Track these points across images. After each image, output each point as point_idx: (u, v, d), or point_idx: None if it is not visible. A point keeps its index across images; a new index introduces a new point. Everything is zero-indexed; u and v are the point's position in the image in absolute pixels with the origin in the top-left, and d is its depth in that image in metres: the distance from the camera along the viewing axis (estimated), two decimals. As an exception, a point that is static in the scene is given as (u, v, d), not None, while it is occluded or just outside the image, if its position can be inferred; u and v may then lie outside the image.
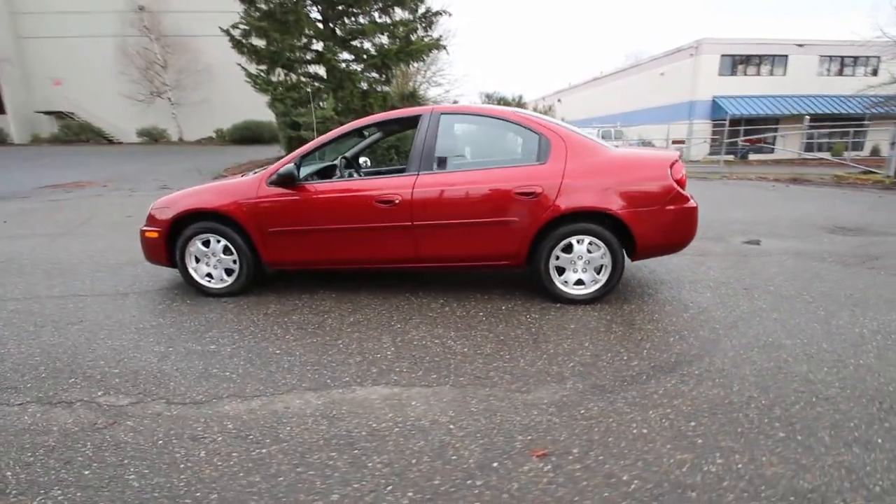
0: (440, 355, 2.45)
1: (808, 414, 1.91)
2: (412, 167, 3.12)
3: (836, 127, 21.09)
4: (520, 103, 18.11)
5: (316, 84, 15.21)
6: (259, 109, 20.69)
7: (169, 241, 3.35)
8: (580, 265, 3.08)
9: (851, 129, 20.75)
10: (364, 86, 15.20)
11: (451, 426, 1.84)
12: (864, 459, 1.63)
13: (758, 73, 24.75)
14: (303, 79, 15.37)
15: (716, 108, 24.32)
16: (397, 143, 10.25)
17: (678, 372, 2.24)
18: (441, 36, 16.22)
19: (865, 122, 21.09)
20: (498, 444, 1.73)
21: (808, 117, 18.46)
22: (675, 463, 1.63)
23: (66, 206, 8.18)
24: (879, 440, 1.74)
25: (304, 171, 3.30)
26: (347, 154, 4.10)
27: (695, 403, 1.98)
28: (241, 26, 14.65)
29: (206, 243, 3.32)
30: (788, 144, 20.14)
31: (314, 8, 14.80)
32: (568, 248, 3.06)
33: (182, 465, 1.63)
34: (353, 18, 15.38)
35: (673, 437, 1.76)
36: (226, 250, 3.32)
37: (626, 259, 3.16)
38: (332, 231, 3.15)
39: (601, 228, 2.99)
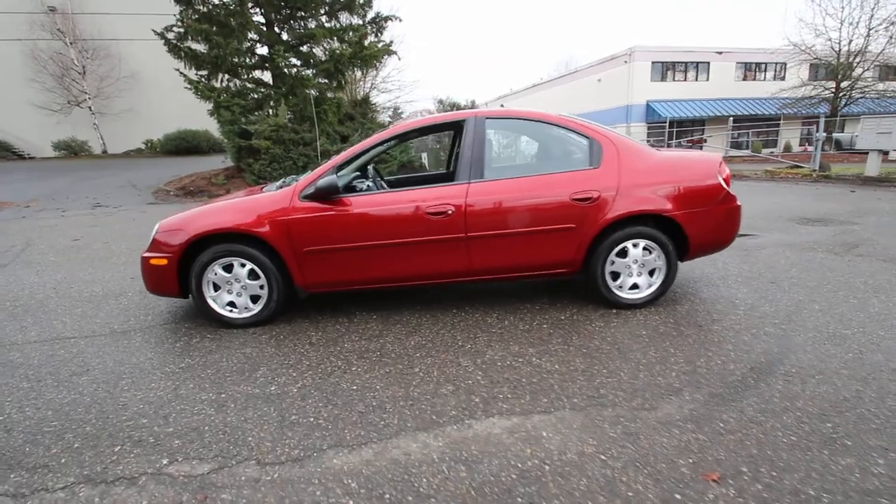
0: (535, 375, 2.28)
1: (919, 403, 1.96)
2: (462, 175, 2.93)
3: (754, 127, 23.31)
4: (473, 107, 18.29)
5: (263, 90, 14.43)
6: (195, 117, 19.16)
7: (180, 268, 2.92)
8: (635, 269, 3.04)
9: (769, 129, 23.05)
10: (314, 92, 14.60)
11: (602, 457, 1.68)
12: None
13: (685, 79, 26.78)
14: (248, 84, 14.51)
15: (650, 111, 26.01)
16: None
17: (778, 372, 2.24)
18: (391, 41, 16.00)
19: (779, 122, 23.48)
20: (664, 471, 1.60)
21: (731, 118, 20.28)
22: (843, 469, 1.59)
23: (-10, 231, 7.06)
24: None
25: (339, 183, 3.00)
26: (355, 164, 3.79)
27: (816, 403, 1.97)
28: (177, 29, 13.56)
29: (228, 268, 2.93)
30: (717, 143, 21.92)
31: (256, 10, 14.03)
32: (622, 253, 3.02)
33: (327, 544, 1.35)
34: (300, 23, 14.78)
35: (823, 441, 1.73)
36: (251, 274, 2.94)
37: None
38: (380, 247, 2.88)
39: (656, 231, 2.97)
